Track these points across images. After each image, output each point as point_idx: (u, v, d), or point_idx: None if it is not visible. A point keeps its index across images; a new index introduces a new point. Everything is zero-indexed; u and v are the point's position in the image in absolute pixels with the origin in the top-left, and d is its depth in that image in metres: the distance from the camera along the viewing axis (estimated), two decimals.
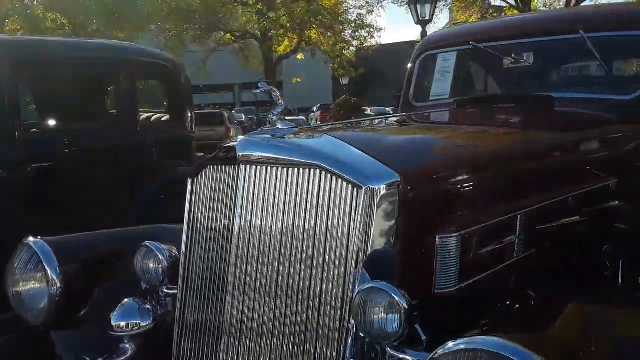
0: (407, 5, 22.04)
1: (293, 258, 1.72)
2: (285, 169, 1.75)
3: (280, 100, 1.93)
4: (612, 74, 3.38)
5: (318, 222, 1.70)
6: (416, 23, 10.64)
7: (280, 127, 1.88)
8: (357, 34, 18.04)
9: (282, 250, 1.74)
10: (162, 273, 2.09)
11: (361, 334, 1.61)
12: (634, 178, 2.82)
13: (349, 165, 1.69)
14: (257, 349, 1.76)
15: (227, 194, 1.87)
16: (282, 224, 1.75)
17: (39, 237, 2.24)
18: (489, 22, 4.65)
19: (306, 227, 1.71)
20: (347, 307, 1.63)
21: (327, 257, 1.68)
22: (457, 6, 20.54)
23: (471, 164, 2.01)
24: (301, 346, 1.69)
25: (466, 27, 4.59)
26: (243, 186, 1.80)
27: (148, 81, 5.48)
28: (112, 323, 2.02)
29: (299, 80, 22.73)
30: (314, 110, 38.56)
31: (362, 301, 1.52)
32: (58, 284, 2.10)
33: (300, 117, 28.45)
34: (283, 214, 1.75)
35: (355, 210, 1.65)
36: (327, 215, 1.69)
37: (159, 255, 2.08)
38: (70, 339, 2.17)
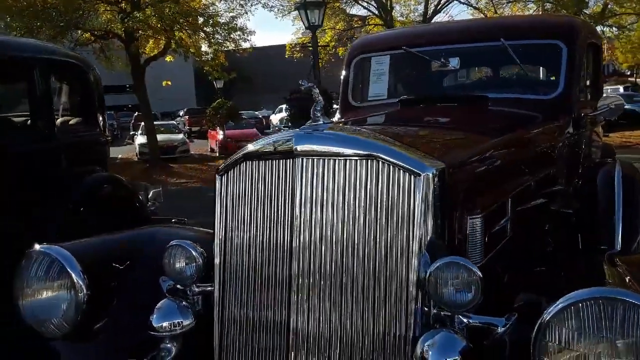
0: (276, 11, 22.49)
1: (356, 249, 1.84)
2: (343, 161, 1.87)
3: (319, 97, 2.03)
4: (531, 77, 3.90)
5: (379, 210, 1.83)
6: (307, 28, 10.96)
7: (322, 122, 1.99)
8: (231, 36, 17.98)
9: (345, 243, 1.85)
10: (196, 271, 2.08)
11: (425, 307, 1.79)
12: (566, 168, 3.32)
13: (404, 155, 1.86)
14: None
15: (281, 189, 1.93)
16: (344, 216, 1.85)
17: (45, 244, 2.11)
18: (419, 29, 5.06)
19: (367, 217, 1.84)
20: (414, 287, 1.79)
21: (389, 242, 1.82)
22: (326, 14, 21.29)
23: (481, 156, 2.29)
24: (370, 328, 1.82)
25: (398, 33, 4.94)
26: (302, 179, 1.88)
27: (61, 81, 5.10)
28: (154, 324, 1.99)
29: (169, 83, 21.98)
30: (181, 114, 37.54)
31: (440, 277, 1.70)
32: (85, 290, 2.00)
33: (172, 122, 27.58)
34: (344, 205, 1.86)
35: (414, 197, 1.82)
36: (388, 203, 1.83)
37: (194, 254, 2.07)
38: (104, 345, 2.07)
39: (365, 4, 20.54)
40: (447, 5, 21.29)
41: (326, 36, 21.65)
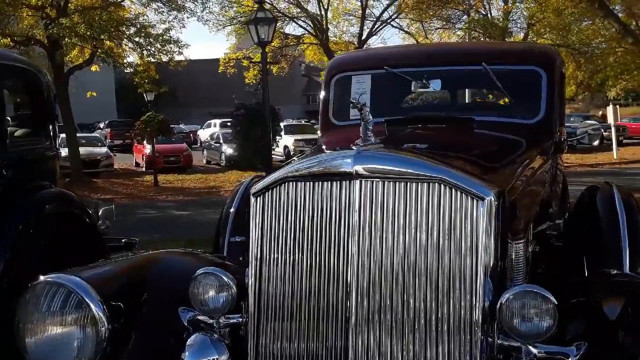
0: (210, 25, 22.12)
1: (418, 276, 1.74)
2: (403, 183, 1.76)
3: (369, 116, 1.93)
4: (511, 102, 3.98)
5: (441, 235, 1.74)
6: (256, 44, 10.78)
7: (372, 141, 1.89)
8: (164, 48, 17.43)
9: (407, 269, 1.74)
10: (230, 302, 1.90)
11: (489, 337, 1.71)
12: (552, 191, 3.39)
13: (467, 179, 1.78)
14: None
15: (335, 212, 1.79)
16: (404, 241, 1.75)
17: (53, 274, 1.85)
18: (399, 50, 5.05)
19: (430, 242, 1.74)
20: (479, 316, 1.71)
21: (453, 269, 1.74)
22: None
23: (517, 180, 2.26)
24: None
25: (378, 52, 4.92)
26: (361, 202, 1.76)
27: (13, 88, 4.65)
28: None
29: (94, 94, 20.94)
30: (102, 127, 35.88)
31: (514, 305, 1.63)
32: (106, 324, 1.76)
33: (94, 134, 26.28)
34: (405, 230, 1.75)
35: (478, 221, 1.75)
36: (450, 228, 1.75)
37: (229, 282, 1.88)
38: None
39: (302, 23, 20.73)
40: (381, 29, 21.90)
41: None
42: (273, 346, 1.87)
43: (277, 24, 21.82)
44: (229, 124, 31.37)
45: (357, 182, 1.77)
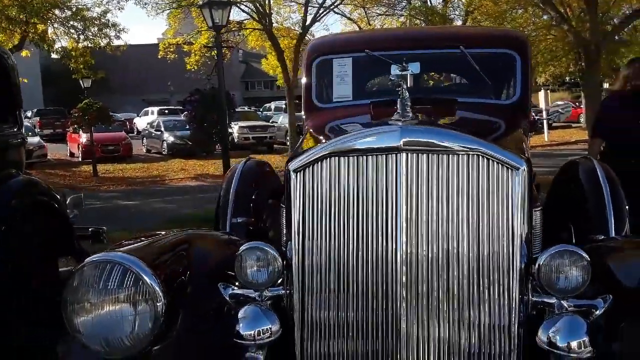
0: (149, 8, 21.41)
1: (461, 244, 1.87)
2: (445, 155, 1.88)
3: (406, 93, 2.02)
4: (488, 83, 4.18)
5: (480, 204, 1.87)
6: (209, 28, 10.54)
7: (410, 117, 1.99)
8: (103, 32, 16.72)
9: (451, 237, 1.87)
10: (277, 275, 1.96)
11: (525, 296, 1.87)
12: None
13: (502, 150, 1.92)
14: None
15: (381, 185, 1.88)
16: (448, 211, 1.86)
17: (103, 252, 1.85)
18: (378, 33, 5.14)
19: (470, 211, 1.87)
20: (517, 277, 1.86)
21: (492, 235, 1.87)
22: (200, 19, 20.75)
23: (526, 152, 2.42)
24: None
25: (357, 35, 4.99)
26: (407, 174, 1.85)
27: None
28: (242, 332, 1.84)
29: (25, 81, 19.83)
30: (29, 116, 34.09)
31: (553, 264, 1.79)
32: (162, 299, 1.78)
33: (27, 123, 24.92)
34: (448, 200, 1.87)
35: (513, 190, 1.89)
36: (489, 197, 1.88)
37: (276, 256, 1.94)
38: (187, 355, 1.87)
39: (245, 8, 20.44)
40: (324, 16, 21.95)
41: (202, 38, 21.11)
42: (319, 316, 1.94)
43: None
44: (166, 111, 30.72)
45: (404, 154, 1.86)
